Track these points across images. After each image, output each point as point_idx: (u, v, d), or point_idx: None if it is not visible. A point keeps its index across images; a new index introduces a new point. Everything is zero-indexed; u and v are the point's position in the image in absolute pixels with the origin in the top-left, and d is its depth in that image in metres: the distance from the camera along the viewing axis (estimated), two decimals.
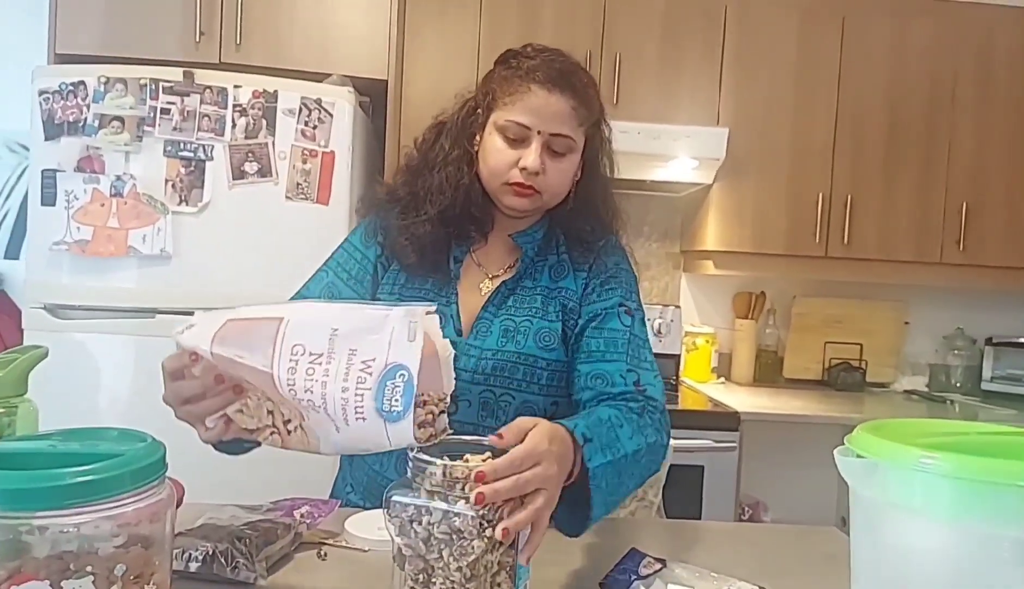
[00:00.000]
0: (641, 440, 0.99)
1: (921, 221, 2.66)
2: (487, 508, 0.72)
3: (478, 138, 1.16)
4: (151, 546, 0.69)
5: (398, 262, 1.18)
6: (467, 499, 0.72)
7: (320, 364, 0.77)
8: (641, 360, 1.12)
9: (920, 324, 3.04)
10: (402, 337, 0.76)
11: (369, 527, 1.08)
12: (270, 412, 0.84)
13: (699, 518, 2.27)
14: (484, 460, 0.76)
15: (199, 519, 1.00)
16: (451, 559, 0.72)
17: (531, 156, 1.08)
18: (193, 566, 0.91)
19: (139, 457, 0.68)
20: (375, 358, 0.76)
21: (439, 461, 0.74)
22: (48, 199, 1.99)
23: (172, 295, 2.03)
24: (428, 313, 0.79)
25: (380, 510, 1.11)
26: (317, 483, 2.05)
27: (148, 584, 0.67)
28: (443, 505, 0.72)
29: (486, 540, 0.72)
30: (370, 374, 0.76)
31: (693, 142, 2.44)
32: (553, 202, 1.16)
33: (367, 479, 1.23)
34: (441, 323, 1.13)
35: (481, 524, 0.72)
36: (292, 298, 1.20)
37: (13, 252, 3.23)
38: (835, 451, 0.63)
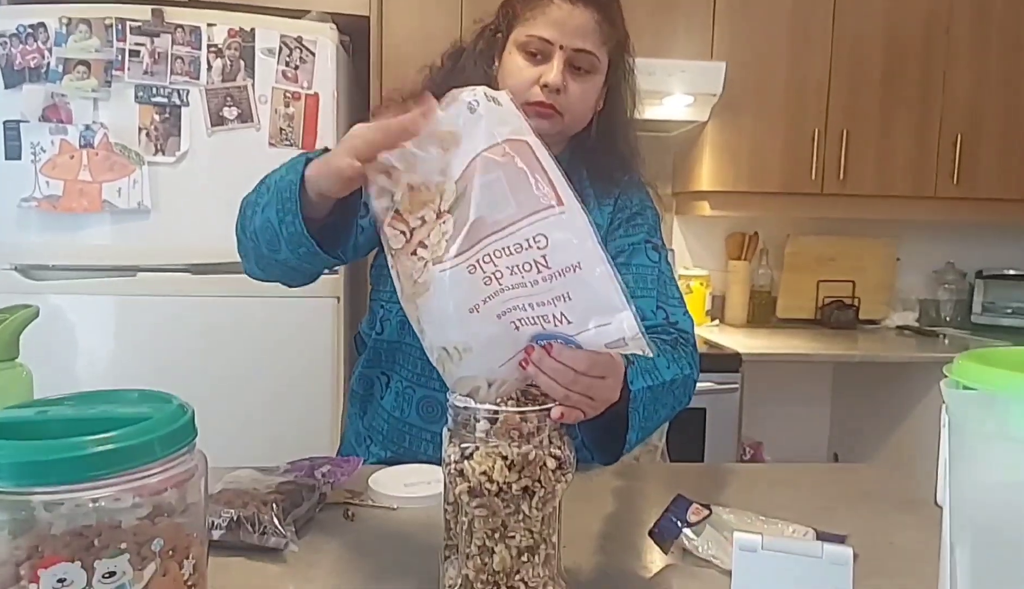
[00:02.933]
0: (677, 370, 0.99)
1: (916, 155, 2.62)
2: (563, 450, 0.70)
3: (497, 62, 1.10)
4: (177, 514, 0.63)
5: None
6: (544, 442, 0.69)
7: (538, 272, 0.65)
8: (669, 297, 1.11)
9: (911, 260, 3.04)
10: (604, 336, 0.66)
11: (394, 483, 1.03)
12: (423, 220, 0.69)
13: (702, 461, 2.26)
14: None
15: (217, 484, 0.94)
16: (533, 509, 0.68)
17: (553, 72, 1.03)
18: (216, 534, 0.85)
19: (168, 421, 0.60)
20: (572, 322, 0.66)
21: (512, 407, 0.69)
22: (12, 152, 1.85)
23: (152, 251, 1.92)
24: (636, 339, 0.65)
25: (404, 466, 1.08)
26: (319, 441, 2.00)
27: (187, 559, 0.61)
28: (522, 451, 0.67)
29: (565, 483, 0.69)
30: (556, 325, 0.66)
31: (688, 77, 2.36)
32: (575, 126, 1.11)
33: (387, 427, 1.17)
34: None
35: (562, 467, 0.69)
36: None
37: None
38: (942, 383, 0.58)
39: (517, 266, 0.65)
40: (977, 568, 0.60)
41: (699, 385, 2.20)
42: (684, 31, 2.48)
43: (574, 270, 0.64)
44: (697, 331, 2.62)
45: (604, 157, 1.15)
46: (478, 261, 0.66)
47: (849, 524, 0.95)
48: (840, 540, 0.88)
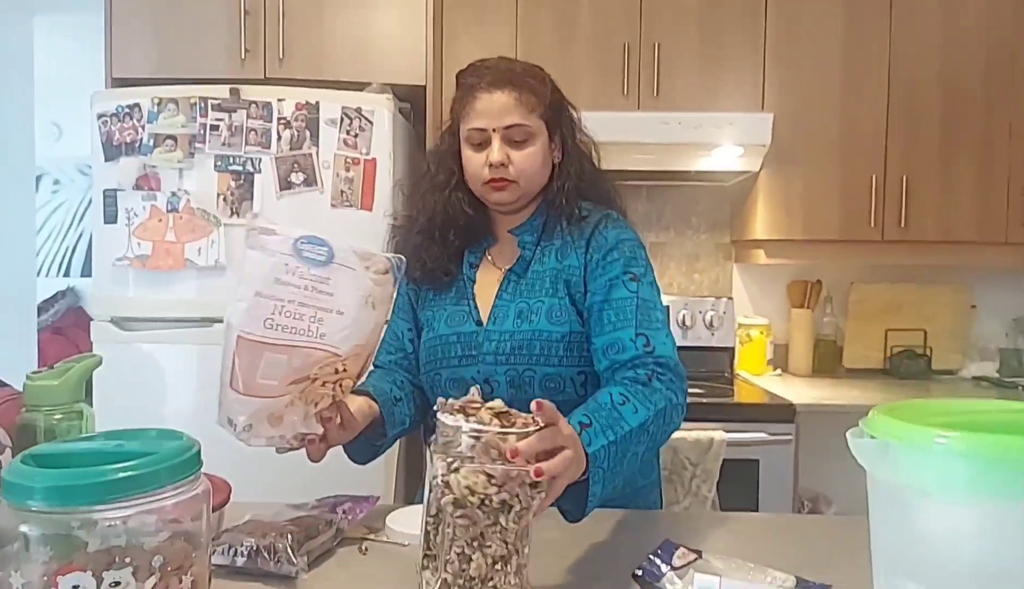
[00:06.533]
0: (647, 411, 1.04)
1: (982, 200, 2.54)
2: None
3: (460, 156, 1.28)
4: (192, 540, 0.73)
5: (413, 281, 1.31)
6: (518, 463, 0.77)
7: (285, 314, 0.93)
8: (651, 322, 1.18)
9: (988, 307, 2.91)
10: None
11: (410, 521, 1.11)
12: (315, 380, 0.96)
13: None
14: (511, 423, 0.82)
15: (245, 516, 1.04)
16: (510, 522, 0.77)
17: (493, 152, 1.21)
18: (240, 561, 0.95)
19: (175, 453, 0.71)
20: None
21: (489, 427, 0.79)
22: (110, 217, 2.09)
23: (228, 304, 2.10)
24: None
25: (419, 506, 1.16)
26: (363, 482, 2.10)
27: (186, 575, 0.71)
28: (504, 469, 0.77)
29: (538, 499, 0.78)
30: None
31: (736, 129, 2.40)
32: (534, 186, 1.26)
33: None
34: (462, 319, 1.25)
35: (538, 485, 0.78)
36: None
37: (88, 270, 3.43)
38: (847, 433, 0.62)
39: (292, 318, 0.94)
40: None
41: (752, 436, 2.21)
42: (733, 83, 2.52)
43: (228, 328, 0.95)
44: (757, 381, 2.62)
45: (572, 200, 1.28)
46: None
47: (846, 574, 0.95)
48: None
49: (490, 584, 0.78)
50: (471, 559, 0.77)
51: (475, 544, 0.77)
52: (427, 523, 0.82)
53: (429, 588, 0.80)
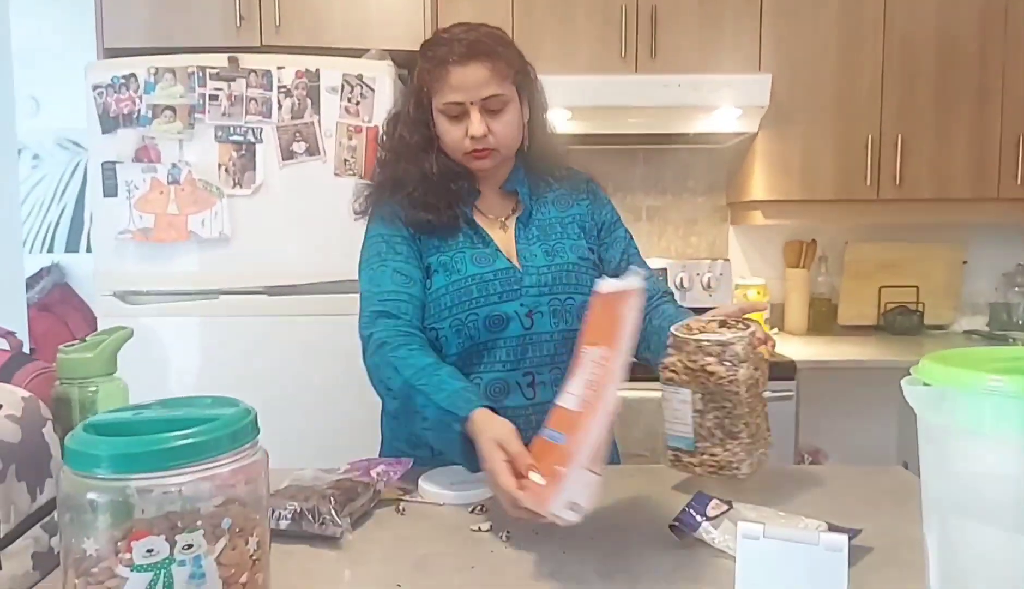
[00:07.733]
0: None
1: (976, 157, 2.58)
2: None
3: (432, 123, 1.28)
4: (248, 505, 0.74)
5: (422, 230, 1.29)
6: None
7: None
8: (650, 270, 1.39)
9: (979, 263, 2.96)
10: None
11: (443, 482, 1.13)
12: None
13: None
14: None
15: (284, 481, 1.06)
16: (757, 401, 1.06)
17: (474, 125, 1.22)
18: (283, 524, 0.97)
19: (234, 421, 0.72)
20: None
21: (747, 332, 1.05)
22: (110, 190, 2.06)
23: (233, 276, 2.10)
24: None
25: (449, 467, 1.18)
26: (366, 446, 2.13)
27: (251, 536, 0.72)
28: (764, 360, 1.08)
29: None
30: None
31: (735, 91, 2.41)
32: (512, 149, 1.31)
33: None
34: (490, 259, 1.28)
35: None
36: (365, 299, 1.27)
37: (73, 246, 3.37)
38: (902, 381, 0.64)
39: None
40: (943, 552, 0.65)
41: None
42: (731, 45, 2.52)
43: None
44: None
45: (549, 156, 1.35)
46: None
47: (872, 521, 0.98)
48: (853, 534, 0.93)
49: (767, 434, 1.11)
50: (748, 425, 1.03)
51: (755, 413, 1.05)
52: (695, 418, 1.05)
53: (738, 453, 1.03)
